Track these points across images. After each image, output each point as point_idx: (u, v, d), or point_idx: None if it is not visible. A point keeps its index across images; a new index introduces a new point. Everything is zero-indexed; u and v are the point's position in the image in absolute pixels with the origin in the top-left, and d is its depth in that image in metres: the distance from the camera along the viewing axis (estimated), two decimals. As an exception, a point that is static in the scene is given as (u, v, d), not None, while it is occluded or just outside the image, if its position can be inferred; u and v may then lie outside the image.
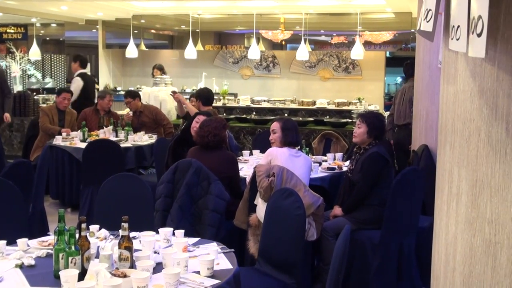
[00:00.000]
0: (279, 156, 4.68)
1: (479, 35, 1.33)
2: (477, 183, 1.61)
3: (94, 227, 3.52)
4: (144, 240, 3.24)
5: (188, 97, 8.62)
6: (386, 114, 10.18)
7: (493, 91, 1.52)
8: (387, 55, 14.19)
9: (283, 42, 13.92)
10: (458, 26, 1.50)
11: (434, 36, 1.78)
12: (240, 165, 5.54)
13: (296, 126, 5.02)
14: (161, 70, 11.12)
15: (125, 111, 8.99)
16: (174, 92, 7.58)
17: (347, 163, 5.83)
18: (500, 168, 1.51)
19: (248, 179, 4.74)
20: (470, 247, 1.64)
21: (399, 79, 17.58)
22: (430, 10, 1.74)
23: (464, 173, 1.67)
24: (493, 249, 1.54)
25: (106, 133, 7.57)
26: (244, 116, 10.36)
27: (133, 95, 8.17)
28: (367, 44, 12.89)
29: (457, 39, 1.51)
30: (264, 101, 11.60)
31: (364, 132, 4.76)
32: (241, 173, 5.21)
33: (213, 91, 11.97)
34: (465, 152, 1.66)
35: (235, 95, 12.29)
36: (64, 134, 7.48)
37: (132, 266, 2.91)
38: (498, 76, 1.49)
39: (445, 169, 1.84)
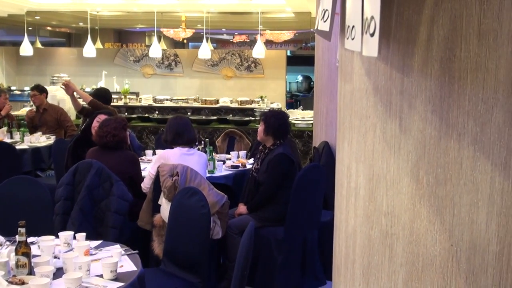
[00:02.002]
0: (171, 157, 4.59)
1: (372, 35, 1.38)
2: (374, 177, 1.67)
3: (-12, 234, 3.36)
4: (43, 245, 3.12)
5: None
6: (289, 111, 10.38)
7: (387, 89, 1.58)
8: (288, 54, 14.46)
9: (185, 41, 13.86)
10: (353, 26, 1.55)
11: (331, 36, 1.83)
12: (143, 165, 5.46)
13: (178, 124, 4.85)
14: None
15: (24, 110, 8.61)
16: (64, 84, 7.26)
17: (251, 161, 5.89)
18: (394, 163, 1.58)
19: (146, 179, 4.65)
20: (368, 239, 1.70)
21: (300, 78, 17.97)
22: (326, 10, 1.78)
23: (362, 168, 1.73)
24: (390, 240, 1.61)
25: (0, 134, 7.22)
26: (147, 115, 10.23)
27: (41, 89, 7.90)
28: (269, 43, 13.08)
29: (352, 39, 1.56)
30: (167, 100, 11.49)
31: (261, 130, 4.83)
32: (144, 173, 5.13)
33: (114, 90, 11.74)
34: (362, 147, 1.72)
35: (137, 94, 12.09)
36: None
37: (31, 272, 2.80)
38: (391, 75, 1.56)
39: (344, 164, 1.90)
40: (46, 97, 7.94)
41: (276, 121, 4.80)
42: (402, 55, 1.51)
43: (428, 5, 1.43)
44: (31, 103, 9.12)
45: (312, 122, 8.48)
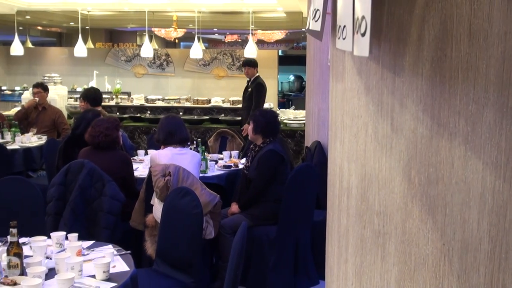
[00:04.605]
0: (162, 158, 4.52)
1: (363, 35, 1.38)
2: (366, 176, 1.67)
3: (-21, 235, 3.34)
4: (35, 246, 3.11)
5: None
6: (281, 111, 10.39)
7: (378, 88, 1.58)
8: (280, 53, 14.46)
9: (177, 40, 13.83)
10: (344, 26, 1.55)
11: (322, 35, 1.83)
12: (135, 165, 5.45)
13: (170, 123, 4.79)
14: None
15: (14, 110, 8.56)
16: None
17: (243, 160, 5.90)
18: (386, 162, 1.58)
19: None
20: (361, 238, 1.70)
21: (291, 77, 17.97)
22: (318, 10, 1.79)
23: (354, 168, 1.73)
24: (382, 240, 1.61)
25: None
26: (139, 115, 10.21)
27: (45, 87, 7.92)
28: (260, 43, 13.08)
29: (344, 39, 1.56)
30: (159, 99, 11.47)
31: (251, 129, 4.87)
32: (136, 173, 5.12)
33: (106, 90, 11.70)
34: (354, 147, 1.73)
35: (129, 94, 12.06)
36: None
37: (23, 273, 2.79)
38: (383, 75, 1.56)
39: (336, 164, 1.90)
40: (47, 96, 7.94)
41: (264, 119, 4.84)
42: (393, 54, 1.52)
43: (419, 5, 1.43)
44: (22, 103, 9.08)
45: (304, 121, 8.49)
